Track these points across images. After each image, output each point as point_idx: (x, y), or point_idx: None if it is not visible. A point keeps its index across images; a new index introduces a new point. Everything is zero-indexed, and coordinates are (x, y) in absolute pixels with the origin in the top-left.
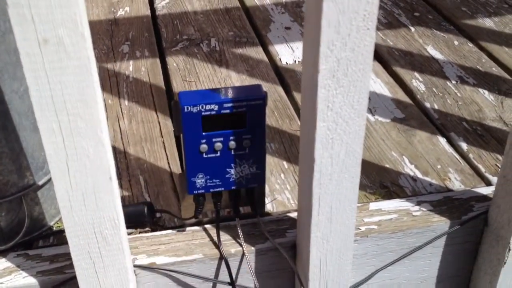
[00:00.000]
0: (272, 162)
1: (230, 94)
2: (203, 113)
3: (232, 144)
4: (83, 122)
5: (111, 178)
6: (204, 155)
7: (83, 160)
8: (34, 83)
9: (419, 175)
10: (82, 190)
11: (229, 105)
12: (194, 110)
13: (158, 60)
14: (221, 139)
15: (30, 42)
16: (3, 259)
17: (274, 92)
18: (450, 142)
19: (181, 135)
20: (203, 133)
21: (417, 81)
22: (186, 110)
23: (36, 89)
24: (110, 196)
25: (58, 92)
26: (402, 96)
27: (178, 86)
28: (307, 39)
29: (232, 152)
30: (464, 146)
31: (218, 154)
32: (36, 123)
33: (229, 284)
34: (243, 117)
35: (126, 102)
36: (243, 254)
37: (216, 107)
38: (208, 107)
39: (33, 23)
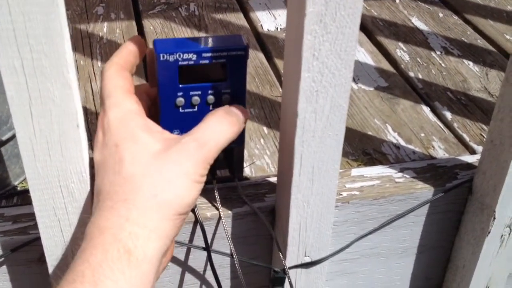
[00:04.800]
0: (252, 127)
1: (209, 43)
2: (180, 63)
3: (210, 98)
4: (47, 61)
5: (79, 126)
6: (181, 110)
7: (48, 104)
8: None
9: (402, 143)
10: (47, 138)
11: (208, 55)
12: (171, 58)
13: (134, 23)
14: (199, 92)
15: None
16: None
17: (255, 58)
18: (434, 111)
19: (156, 87)
20: (180, 85)
21: (401, 51)
22: (161, 58)
23: None
24: (77, 145)
25: (20, 24)
26: (386, 66)
27: None
28: None
29: (211, 108)
30: (448, 115)
31: (196, 109)
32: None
33: (204, 249)
34: (223, 68)
35: (99, 64)
36: (220, 218)
37: (194, 57)
38: (185, 56)
39: None
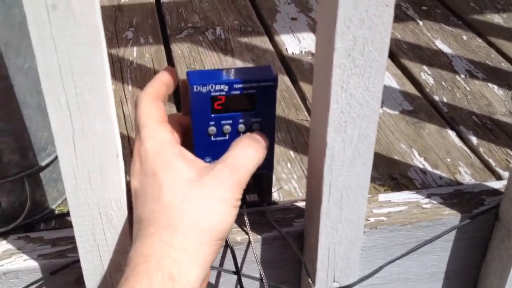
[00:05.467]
0: (278, 151)
1: (240, 75)
2: (212, 94)
3: (241, 127)
4: (90, 96)
5: (118, 156)
6: (212, 138)
7: (90, 136)
8: (41, 51)
9: (429, 167)
10: (89, 168)
11: (239, 86)
12: (204, 90)
13: (162, 47)
14: (230, 121)
15: (38, 8)
16: (4, 241)
17: (280, 82)
18: (460, 135)
19: (189, 117)
20: (212, 115)
21: (425, 74)
22: (195, 89)
23: (43, 58)
24: (116, 175)
25: (65, 62)
26: (411, 89)
27: (183, 73)
28: (322, 15)
29: (241, 136)
30: (474, 140)
31: (227, 137)
32: (41, 102)
33: (234, 273)
34: (253, 99)
35: (130, 88)
36: (249, 243)
37: (226, 88)
38: (218, 87)
39: None
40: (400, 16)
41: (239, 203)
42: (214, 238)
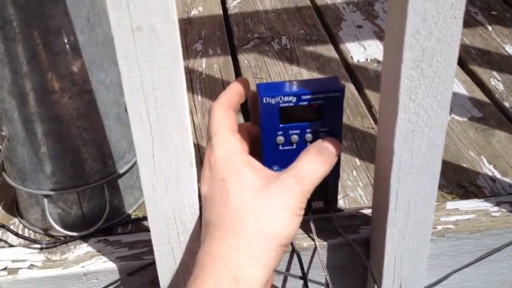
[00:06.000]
0: (344, 159)
1: (308, 86)
2: (281, 105)
3: (308, 136)
4: (169, 109)
5: (193, 164)
6: (280, 147)
7: (168, 146)
8: (126, 70)
9: (498, 175)
10: (166, 176)
11: (307, 97)
12: (273, 101)
13: (230, 58)
14: (298, 131)
15: (124, 29)
16: (85, 244)
17: (345, 90)
18: None
19: (258, 127)
20: (280, 125)
21: (495, 80)
22: (264, 101)
23: (128, 75)
24: (191, 182)
25: (147, 79)
26: (480, 95)
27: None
28: (390, 28)
29: (308, 145)
30: None
31: (294, 146)
32: (120, 113)
33: (301, 278)
34: (321, 109)
35: (199, 98)
36: (315, 249)
37: (294, 99)
38: (286, 98)
39: (128, 11)
40: (468, 22)
41: (302, 212)
42: (277, 244)
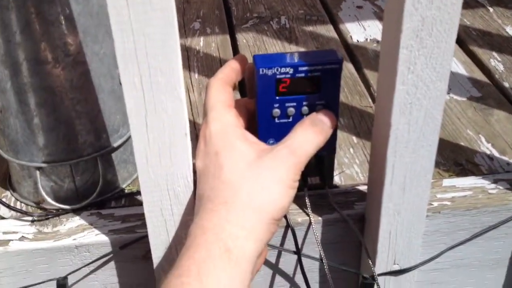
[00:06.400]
0: (341, 136)
1: (305, 58)
2: (277, 76)
3: (305, 109)
4: (163, 77)
5: (186, 134)
6: (276, 120)
7: (161, 115)
8: (120, 35)
9: (496, 154)
10: (159, 145)
11: (304, 68)
12: (269, 73)
13: (228, 37)
14: (294, 104)
15: None
16: (77, 217)
17: (344, 69)
18: None
19: (255, 99)
20: (277, 97)
21: (495, 61)
22: (261, 72)
23: (121, 41)
24: (184, 152)
25: (141, 44)
26: (479, 76)
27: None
28: None
29: (304, 118)
30: None
31: (290, 119)
32: (114, 86)
33: (295, 252)
34: (318, 81)
35: (196, 76)
36: (310, 224)
37: (291, 71)
38: (283, 70)
39: None
40: (469, 3)
41: (296, 184)
42: (269, 217)
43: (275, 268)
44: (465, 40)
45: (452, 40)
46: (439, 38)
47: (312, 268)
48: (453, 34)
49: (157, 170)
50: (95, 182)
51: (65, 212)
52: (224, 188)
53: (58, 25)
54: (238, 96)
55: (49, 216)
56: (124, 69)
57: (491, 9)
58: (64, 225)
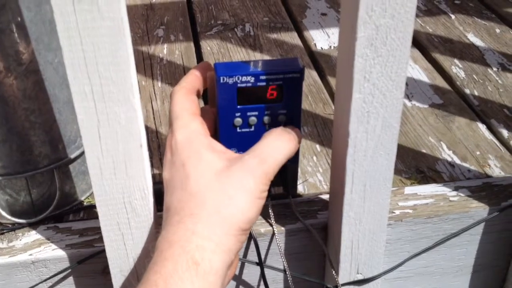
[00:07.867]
0: (304, 145)
1: (266, 67)
2: (238, 85)
3: (267, 118)
4: (115, 87)
5: (142, 146)
6: (238, 129)
7: (114, 126)
8: (67, 43)
9: (457, 161)
10: (113, 157)
11: (265, 77)
12: (230, 81)
13: (192, 44)
14: (256, 113)
15: (65, 0)
16: (33, 232)
17: (308, 76)
18: (490, 128)
19: (216, 108)
20: (238, 106)
21: (456, 68)
22: (221, 80)
23: (69, 50)
24: (140, 164)
25: (90, 53)
26: (441, 82)
27: None
28: (345, 5)
29: (267, 128)
30: (505, 133)
31: (252, 129)
32: (70, 96)
33: (257, 264)
34: (279, 90)
35: (159, 84)
36: (273, 234)
37: (252, 79)
38: (244, 78)
39: None
40: (432, 10)
41: (265, 194)
42: (236, 227)
43: (238, 280)
44: (427, 47)
45: (407, 48)
46: (393, 47)
47: (277, 280)
48: (408, 43)
49: (112, 182)
50: (52, 194)
51: (21, 226)
52: (191, 200)
53: (9, 33)
54: (203, 104)
55: (4, 231)
56: (74, 78)
57: (453, 16)
58: (20, 240)
